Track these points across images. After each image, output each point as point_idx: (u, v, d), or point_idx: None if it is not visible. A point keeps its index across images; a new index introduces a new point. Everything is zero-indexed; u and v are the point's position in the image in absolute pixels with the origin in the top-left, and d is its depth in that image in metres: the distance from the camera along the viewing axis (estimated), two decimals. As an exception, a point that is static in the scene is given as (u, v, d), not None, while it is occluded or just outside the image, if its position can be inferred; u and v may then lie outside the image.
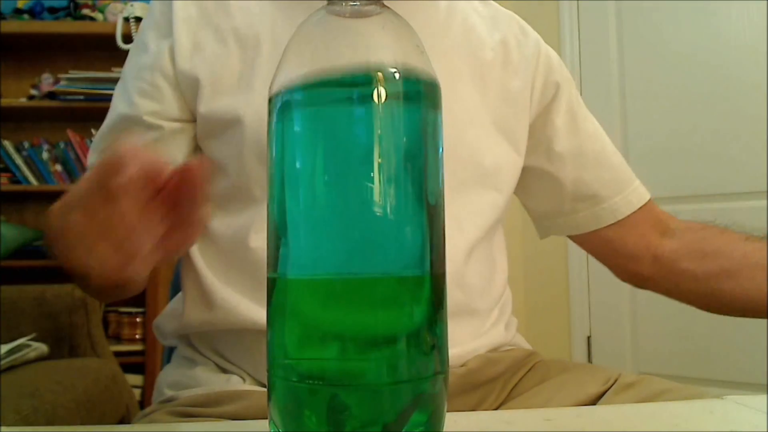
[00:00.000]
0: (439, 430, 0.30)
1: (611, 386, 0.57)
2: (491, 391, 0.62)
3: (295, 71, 0.30)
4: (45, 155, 2.27)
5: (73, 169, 2.27)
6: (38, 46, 2.30)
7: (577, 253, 2.15)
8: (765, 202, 1.89)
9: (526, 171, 0.72)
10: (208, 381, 0.60)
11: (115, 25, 2.11)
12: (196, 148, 0.65)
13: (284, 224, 0.30)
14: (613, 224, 0.72)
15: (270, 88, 0.32)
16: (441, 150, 0.32)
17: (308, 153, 0.30)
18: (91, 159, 0.66)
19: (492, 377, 0.62)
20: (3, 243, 2.13)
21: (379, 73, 0.29)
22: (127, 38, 2.03)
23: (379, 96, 0.29)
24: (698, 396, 0.53)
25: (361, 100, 0.29)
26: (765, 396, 0.44)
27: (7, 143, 2.25)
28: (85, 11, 2.28)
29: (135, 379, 2.08)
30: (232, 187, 0.62)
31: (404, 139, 0.29)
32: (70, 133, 2.27)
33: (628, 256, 0.73)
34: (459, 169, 0.62)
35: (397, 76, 0.29)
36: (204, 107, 0.61)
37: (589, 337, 2.24)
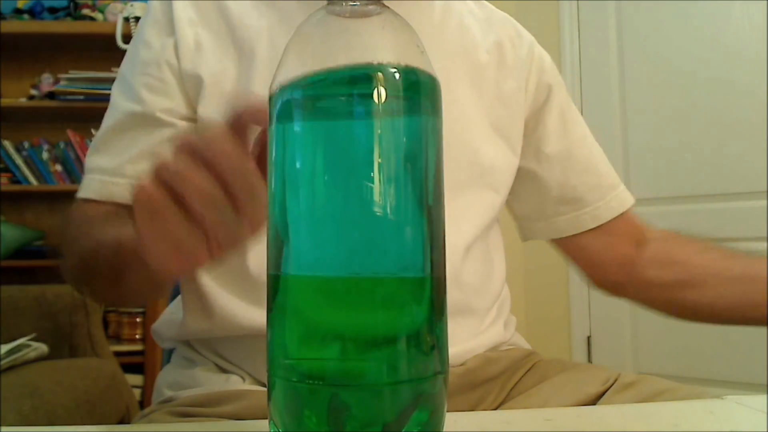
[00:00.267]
0: (439, 430, 0.30)
1: (611, 386, 0.57)
2: (490, 390, 0.62)
3: (295, 71, 0.30)
4: (45, 155, 2.27)
5: (73, 169, 2.27)
6: (38, 46, 2.30)
7: (577, 253, 2.15)
8: (765, 202, 1.89)
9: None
10: (208, 381, 0.60)
11: (115, 25, 2.11)
12: None
13: (285, 224, 0.30)
14: (592, 230, 0.73)
15: (269, 88, 0.32)
16: (441, 150, 0.32)
17: (308, 153, 0.30)
18: (94, 161, 0.63)
19: (491, 377, 0.62)
20: (3, 243, 2.13)
21: (380, 73, 0.29)
22: (127, 38, 2.03)
23: (379, 96, 0.29)
24: (698, 396, 0.53)
25: (362, 100, 0.29)
26: (765, 396, 0.44)
27: (7, 143, 2.25)
28: (85, 11, 2.28)
29: (135, 379, 2.08)
30: None
31: (404, 139, 0.29)
32: (70, 133, 2.27)
33: (603, 263, 0.75)
34: (456, 169, 0.63)
35: (397, 76, 0.29)
36: (203, 110, 0.61)
37: (589, 337, 2.24)
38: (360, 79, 0.29)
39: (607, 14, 2.27)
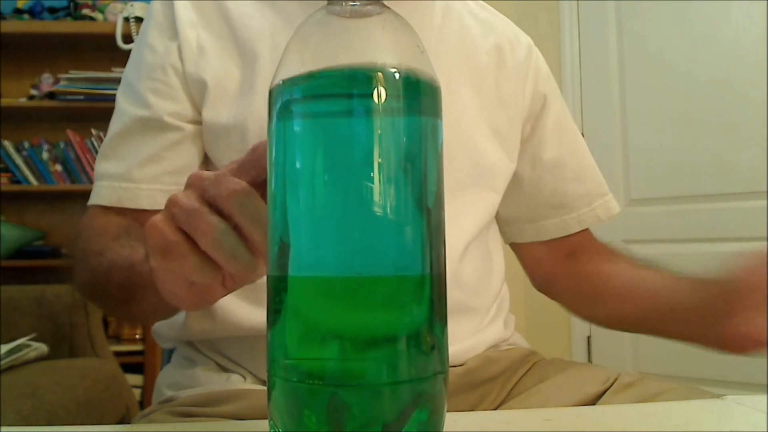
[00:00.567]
0: (440, 430, 0.30)
1: (611, 386, 0.57)
2: (490, 390, 0.62)
3: (295, 71, 0.30)
4: (45, 155, 2.27)
5: (73, 169, 2.27)
6: (38, 46, 2.30)
7: (577, 253, 2.15)
8: (765, 202, 1.89)
9: None
10: (208, 380, 0.60)
11: (115, 25, 2.11)
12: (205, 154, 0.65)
13: (284, 224, 0.30)
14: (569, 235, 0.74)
15: (270, 88, 0.32)
16: (441, 150, 0.32)
17: (308, 153, 0.30)
18: (102, 167, 0.63)
19: (491, 376, 0.62)
20: (3, 243, 2.13)
21: (380, 74, 0.29)
22: (127, 38, 2.03)
23: (379, 96, 0.29)
24: (698, 396, 0.53)
25: (362, 100, 0.29)
26: (765, 396, 0.44)
27: (7, 143, 2.26)
28: (85, 11, 2.28)
29: (135, 379, 2.08)
30: None
31: (405, 139, 0.29)
32: (70, 133, 2.27)
33: (540, 267, 0.77)
34: (456, 169, 0.63)
35: (397, 76, 0.29)
36: (208, 113, 0.61)
37: (589, 337, 2.24)
38: (360, 79, 0.29)
39: (607, 14, 2.27)
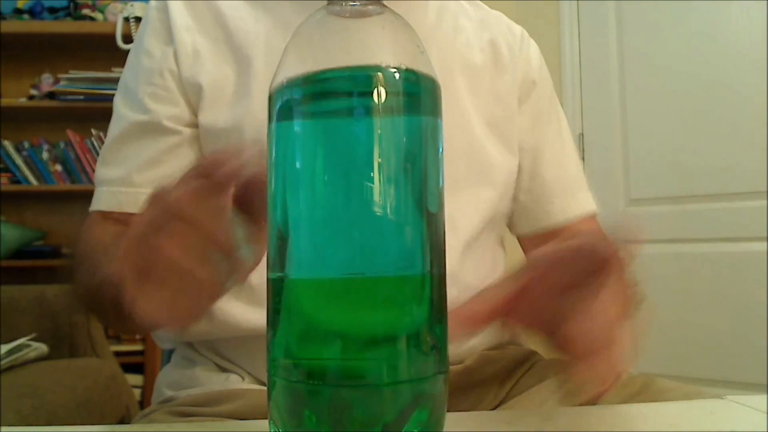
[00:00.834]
0: (440, 430, 0.30)
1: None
2: (490, 389, 0.62)
3: (295, 71, 0.30)
4: (45, 155, 2.27)
5: (73, 169, 2.27)
6: (38, 46, 2.30)
7: (577, 253, 2.14)
8: (765, 202, 1.89)
9: None
10: (208, 380, 0.60)
11: (115, 25, 2.11)
12: None
13: (285, 224, 0.30)
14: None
15: (270, 88, 0.32)
16: (441, 150, 0.32)
17: (308, 154, 0.30)
18: (102, 173, 0.63)
19: (491, 376, 0.62)
20: (3, 243, 2.13)
21: (380, 74, 0.29)
22: (127, 38, 2.03)
23: (379, 96, 0.29)
24: (698, 396, 0.53)
25: (362, 101, 0.29)
26: (765, 396, 0.44)
27: (7, 143, 2.26)
28: (85, 11, 2.28)
29: (135, 379, 2.08)
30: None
31: (405, 139, 0.29)
32: (70, 133, 2.27)
33: None
34: (453, 167, 0.62)
35: (397, 76, 0.29)
36: (204, 117, 0.61)
37: (589, 337, 2.24)
38: (361, 79, 0.29)
39: (607, 14, 2.27)
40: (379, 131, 0.29)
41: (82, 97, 2.19)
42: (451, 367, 0.54)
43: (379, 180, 0.28)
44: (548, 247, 0.41)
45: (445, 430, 0.30)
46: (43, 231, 2.31)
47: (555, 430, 0.40)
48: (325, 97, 0.30)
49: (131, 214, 0.60)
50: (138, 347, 2.17)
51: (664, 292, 2.09)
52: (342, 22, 0.31)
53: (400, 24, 0.32)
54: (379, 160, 0.28)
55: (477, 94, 0.67)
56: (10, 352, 1.50)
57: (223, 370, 0.61)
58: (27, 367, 1.51)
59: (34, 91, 2.27)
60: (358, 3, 0.31)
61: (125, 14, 2.10)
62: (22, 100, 2.25)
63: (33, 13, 2.26)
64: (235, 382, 0.59)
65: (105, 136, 0.65)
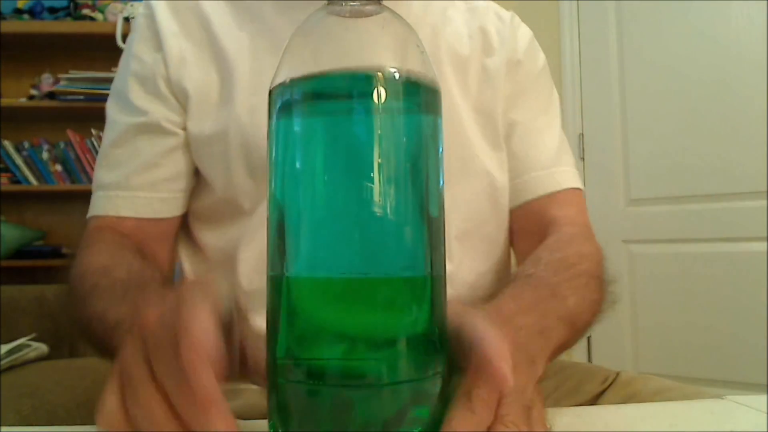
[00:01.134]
0: (439, 429, 0.30)
1: (610, 385, 0.57)
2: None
3: (296, 71, 0.30)
4: (45, 155, 2.27)
5: (73, 169, 2.27)
6: (38, 46, 2.30)
7: (577, 253, 2.15)
8: (765, 202, 1.89)
9: None
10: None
11: (115, 25, 2.11)
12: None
13: (284, 223, 0.30)
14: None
15: (270, 87, 0.32)
16: (441, 150, 0.32)
17: (308, 153, 0.30)
18: (98, 178, 0.63)
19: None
20: (3, 243, 2.13)
21: (380, 74, 0.29)
22: (127, 38, 2.03)
23: (379, 96, 0.29)
24: (696, 395, 0.53)
25: (362, 101, 0.29)
26: (765, 396, 0.44)
27: (7, 143, 2.25)
28: (85, 11, 2.28)
29: (135, 379, 2.08)
30: (220, 201, 0.62)
31: (404, 138, 0.29)
32: (70, 133, 2.27)
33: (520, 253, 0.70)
34: (446, 161, 0.61)
35: (397, 76, 0.29)
36: (191, 123, 0.61)
37: (589, 337, 2.25)
38: (360, 79, 0.29)
39: (607, 14, 2.27)
40: (379, 131, 0.29)
41: (82, 97, 2.19)
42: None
43: (379, 180, 0.28)
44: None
45: (444, 430, 0.30)
46: (43, 231, 2.31)
47: (555, 430, 0.40)
48: (325, 97, 0.30)
49: (130, 218, 0.60)
50: (138, 347, 2.16)
51: (664, 292, 2.09)
52: (342, 21, 0.31)
53: (400, 23, 0.32)
54: (379, 160, 0.28)
55: (466, 84, 0.66)
56: (10, 352, 1.50)
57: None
58: (27, 367, 1.51)
59: (34, 91, 2.27)
60: (357, 2, 0.31)
61: (125, 14, 2.11)
62: (22, 100, 2.25)
63: (33, 13, 2.26)
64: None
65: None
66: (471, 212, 0.65)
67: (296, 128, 0.30)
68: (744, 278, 1.93)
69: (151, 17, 0.64)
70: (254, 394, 0.55)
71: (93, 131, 2.28)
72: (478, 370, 0.28)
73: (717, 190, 1.99)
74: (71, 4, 2.28)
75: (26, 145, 2.28)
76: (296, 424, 0.28)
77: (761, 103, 1.92)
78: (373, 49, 0.31)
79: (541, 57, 0.73)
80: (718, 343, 1.95)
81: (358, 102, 0.29)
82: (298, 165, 0.30)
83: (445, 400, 0.30)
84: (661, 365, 2.06)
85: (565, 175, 0.68)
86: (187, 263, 0.66)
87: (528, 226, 0.67)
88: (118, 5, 2.24)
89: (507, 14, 0.73)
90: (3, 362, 1.45)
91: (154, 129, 0.61)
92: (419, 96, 0.30)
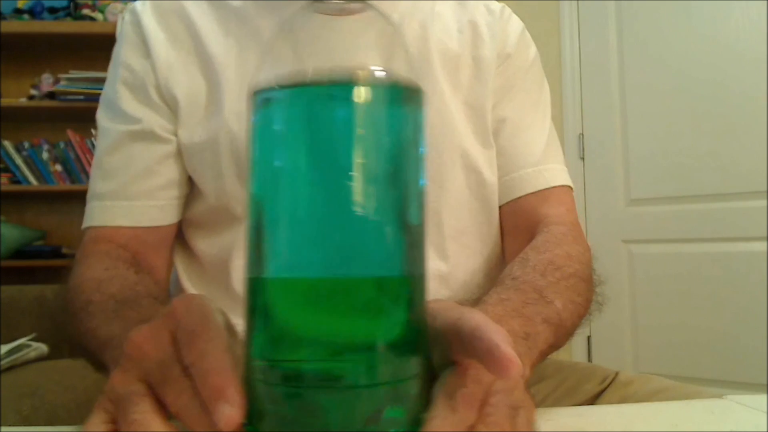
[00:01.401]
0: (416, 430, 0.29)
1: (609, 385, 0.57)
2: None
3: (276, 69, 0.30)
4: (45, 155, 2.27)
5: (73, 169, 2.27)
6: (38, 46, 2.30)
7: (577, 253, 2.15)
8: (765, 202, 1.89)
9: None
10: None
11: (115, 25, 2.11)
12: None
13: (261, 224, 0.29)
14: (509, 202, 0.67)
15: (250, 85, 0.32)
16: (422, 150, 0.31)
17: (287, 153, 0.29)
18: (93, 188, 0.63)
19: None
20: (3, 243, 2.13)
21: (361, 73, 0.29)
22: (127, 38, 2.03)
23: (359, 95, 0.29)
24: (696, 394, 0.53)
25: (343, 100, 0.29)
26: (765, 396, 0.44)
27: (7, 143, 2.26)
28: (85, 11, 2.28)
29: (135, 379, 2.08)
30: (213, 208, 0.62)
31: (384, 139, 0.29)
32: (70, 133, 2.27)
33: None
34: (433, 162, 0.62)
35: (378, 75, 0.29)
36: (182, 131, 0.61)
37: (589, 337, 2.25)
38: (341, 79, 0.29)
39: (607, 14, 2.27)
40: (360, 130, 0.28)
41: (82, 97, 2.19)
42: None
43: (357, 180, 0.28)
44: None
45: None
46: (43, 231, 2.31)
47: (555, 430, 0.40)
48: (306, 96, 0.30)
49: (125, 229, 0.60)
50: (138, 347, 2.16)
51: (664, 292, 2.09)
52: (326, 20, 0.31)
53: (383, 22, 0.32)
54: (358, 160, 0.28)
55: (456, 79, 0.66)
56: (10, 352, 1.50)
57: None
58: (27, 367, 1.51)
59: (34, 91, 2.27)
60: (342, 0, 0.31)
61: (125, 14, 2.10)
62: (22, 100, 2.25)
63: (33, 13, 2.26)
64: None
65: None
66: (464, 210, 0.65)
67: (275, 127, 0.30)
68: (744, 278, 1.93)
69: (138, 24, 0.63)
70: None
71: (93, 131, 2.28)
72: (483, 357, 0.27)
73: (717, 190, 1.99)
74: (71, 4, 2.29)
75: (26, 145, 2.28)
76: (272, 425, 0.28)
77: (761, 102, 1.92)
78: (356, 48, 0.31)
79: (532, 50, 0.72)
80: (718, 343, 1.95)
81: (338, 101, 0.29)
82: (276, 164, 0.29)
83: (427, 402, 0.29)
84: (660, 365, 2.06)
85: (554, 173, 0.67)
86: (182, 270, 0.65)
87: (517, 223, 0.67)
88: (118, 5, 2.24)
89: (497, 6, 0.72)
90: (3, 362, 1.45)
91: (148, 136, 0.61)
92: (400, 95, 0.30)
